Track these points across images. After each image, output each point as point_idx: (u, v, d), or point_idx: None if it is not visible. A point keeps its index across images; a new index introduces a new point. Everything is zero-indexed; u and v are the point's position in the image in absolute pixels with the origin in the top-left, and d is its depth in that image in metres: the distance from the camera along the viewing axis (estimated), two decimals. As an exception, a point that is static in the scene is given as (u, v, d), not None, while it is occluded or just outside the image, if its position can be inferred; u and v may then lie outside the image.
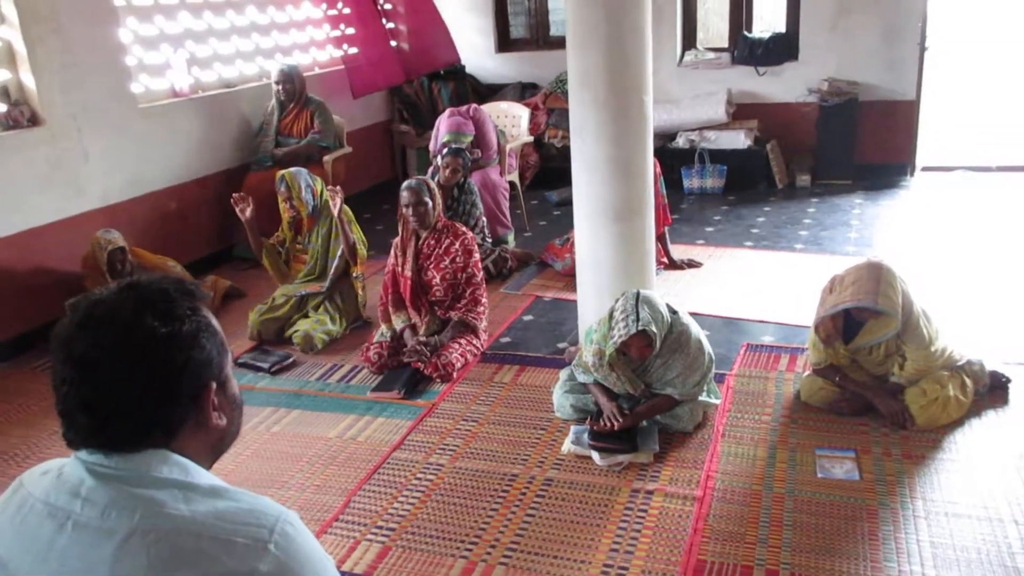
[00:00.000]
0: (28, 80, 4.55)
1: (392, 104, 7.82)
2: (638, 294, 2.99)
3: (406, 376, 3.78)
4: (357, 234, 4.54)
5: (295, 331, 4.31)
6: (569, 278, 5.08)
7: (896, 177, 6.87)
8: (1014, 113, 9.02)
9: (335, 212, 4.35)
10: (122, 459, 1.02)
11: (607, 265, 3.75)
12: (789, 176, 6.99)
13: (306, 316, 4.41)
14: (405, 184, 4.02)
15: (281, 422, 3.60)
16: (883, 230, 5.73)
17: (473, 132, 5.64)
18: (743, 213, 6.31)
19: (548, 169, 7.47)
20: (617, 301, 3.05)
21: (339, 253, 4.46)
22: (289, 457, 3.29)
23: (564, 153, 7.48)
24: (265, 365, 4.09)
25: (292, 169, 4.58)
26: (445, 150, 5.16)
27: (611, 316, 3.04)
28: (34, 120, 4.60)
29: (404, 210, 3.98)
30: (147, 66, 5.33)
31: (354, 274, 4.51)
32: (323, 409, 3.68)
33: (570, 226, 6.19)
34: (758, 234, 5.78)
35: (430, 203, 3.97)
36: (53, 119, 4.65)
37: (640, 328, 2.87)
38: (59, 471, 1.06)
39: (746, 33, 7.14)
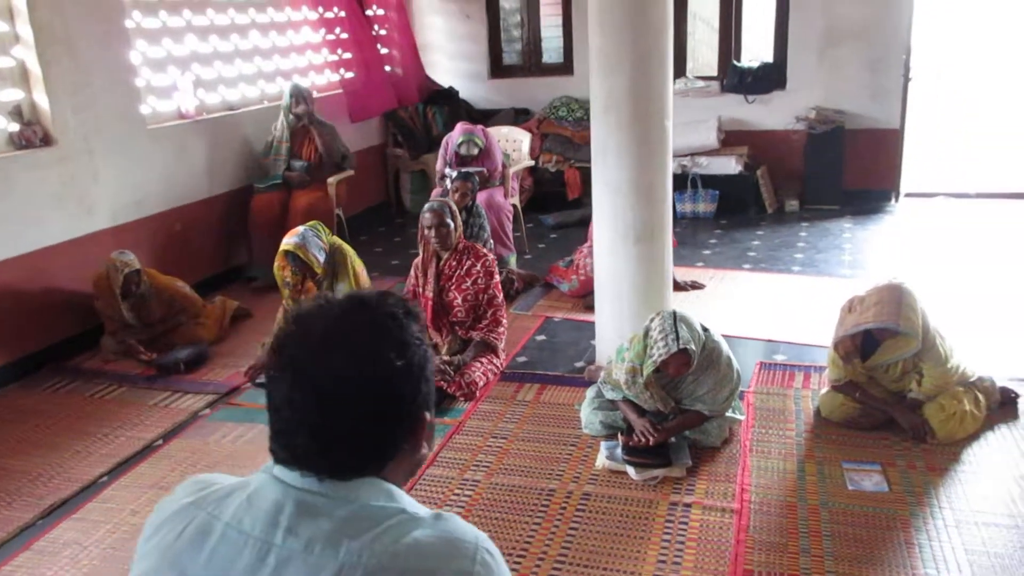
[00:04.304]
0: (42, 100, 4.55)
1: (387, 128, 7.89)
2: (675, 313, 3.08)
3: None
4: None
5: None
6: (577, 299, 5.18)
7: (881, 203, 7.09)
8: (992, 142, 9.36)
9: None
10: (334, 486, 0.99)
11: (627, 285, 3.84)
12: (778, 201, 7.18)
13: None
14: (427, 206, 4.09)
15: (309, 441, 3.61)
16: (875, 253, 5.92)
17: (484, 139, 5.75)
18: (737, 236, 6.47)
19: (542, 193, 7.60)
20: (653, 320, 3.13)
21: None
22: (323, 475, 3.30)
23: (558, 177, 7.64)
24: (285, 385, 4.09)
25: (292, 239, 4.13)
26: (455, 173, 5.23)
27: (647, 335, 3.12)
28: (46, 140, 4.59)
29: (426, 231, 4.04)
30: (155, 88, 5.34)
31: None
32: (349, 428, 3.70)
33: (568, 249, 6.37)
34: (755, 257, 5.93)
35: (452, 224, 4.04)
36: (65, 139, 4.64)
37: (681, 347, 2.96)
38: (247, 495, 1.02)
39: (735, 62, 7.36)
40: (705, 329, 3.19)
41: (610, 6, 3.46)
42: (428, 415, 1.08)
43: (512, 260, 5.84)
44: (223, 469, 3.44)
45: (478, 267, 4.07)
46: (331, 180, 5.92)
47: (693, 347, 2.99)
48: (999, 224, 6.38)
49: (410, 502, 1.04)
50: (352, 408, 0.99)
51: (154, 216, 5.29)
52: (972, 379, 3.40)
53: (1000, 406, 3.46)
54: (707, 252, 6.10)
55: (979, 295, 4.82)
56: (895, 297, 3.18)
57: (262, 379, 4.08)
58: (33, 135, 4.53)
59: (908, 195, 7.23)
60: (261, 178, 5.89)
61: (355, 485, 1.01)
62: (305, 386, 0.99)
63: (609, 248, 3.83)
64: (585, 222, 7.08)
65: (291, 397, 1.00)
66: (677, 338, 2.97)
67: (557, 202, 7.52)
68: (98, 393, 4.26)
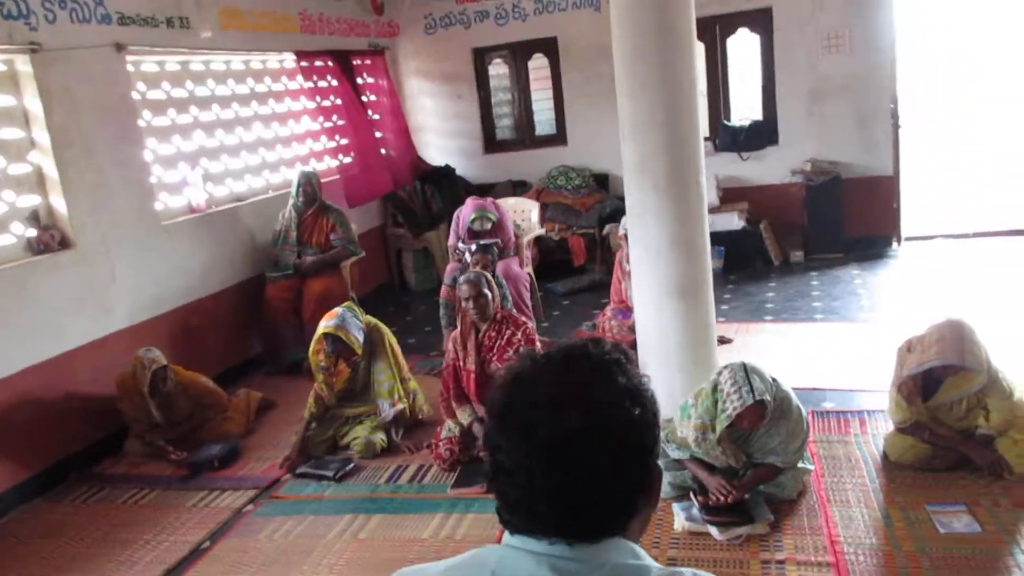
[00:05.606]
0: (59, 204, 4.49)
1: (386, 208, 7.91)
2: (744, 365, 3.04)
3: (486, 469, 3.70)
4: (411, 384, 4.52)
5: (354, 439, 4.20)
6: (607, 363, 5.12)
7: (883, 248, 7.18)
8: (984, 183, 9.56)
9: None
10: (584, 550, 0.94)
11: (674, 342, 3.81)
12: (783, 253, 7.25)
13: (359, 423, 4.31)
14: (463, 278, 4.05)
15: (366, 528, 3.48)
16: (889, 296, 5.96)
17: (497, 214, 5.75)
18: (750, 290, 6.50)
19: (547, 262, 7.60)
20: (721, 374, 3.08)
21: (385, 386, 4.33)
22: (390, 563, 3.16)
23: (562, 245, 7.68)
24: (329, 473, 3.97)
25: (331, 322, 4.16)
26: (474, 246, 5.22)
27: (715, 389, 3.07)
28: (64, 243, 4.52)
29: (463, 303, 3.99)
30: (166, 184, 5.32)
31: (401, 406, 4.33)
32: (404, 511, 3.58)
33: (581, 315, 6.35)
34: (773, 308, 5.94)
35: (489, 295, 4.00)
36: (83, 241, 4.58)
37: (757, 399, 2.90)
38: (490, 572, 0.97)
39: (725, 122, 7.52)
40: (773, 379, 3.15)
41: (639, 71, 3.53)
42: (659, 464, 1.03)
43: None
44: (278, 566, 3.30)
45: (519, 335, 4.01)
46: (344, 263, 5.88)
47: (768, 398, 2.94)
48: (1001, 261, 6.46)
49: (654, 563, 0.99)
50: (596, 466, 0.94)
51: (170, 312, 5.19)
52: (1036, 411, 3.37)
53: (1066, 436, 3.42)
54: (724, 307, 6.09)
55: (1000, 328, 4.81)
56: (957, 333, 3.17)
57: (303, 470, 4.02)
58: (51, 239, 4.46)
59: (908, 239, 7.33)
60: (272, 267, 5.83)
61: (603, 546, 0.96)
62: (543, 449, 0.94)
63: (654, 306, 3.81)
64: (595, 287, 7.12)
65: (528, 462, 0.94)
66: (752, 390, 2.92)
67: (563, 270, 7.53)
68: (131, 499, 4.08)
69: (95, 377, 4.57)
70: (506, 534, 1.00)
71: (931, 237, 7.39)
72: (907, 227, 7.36)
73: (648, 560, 0.97)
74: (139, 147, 5.00)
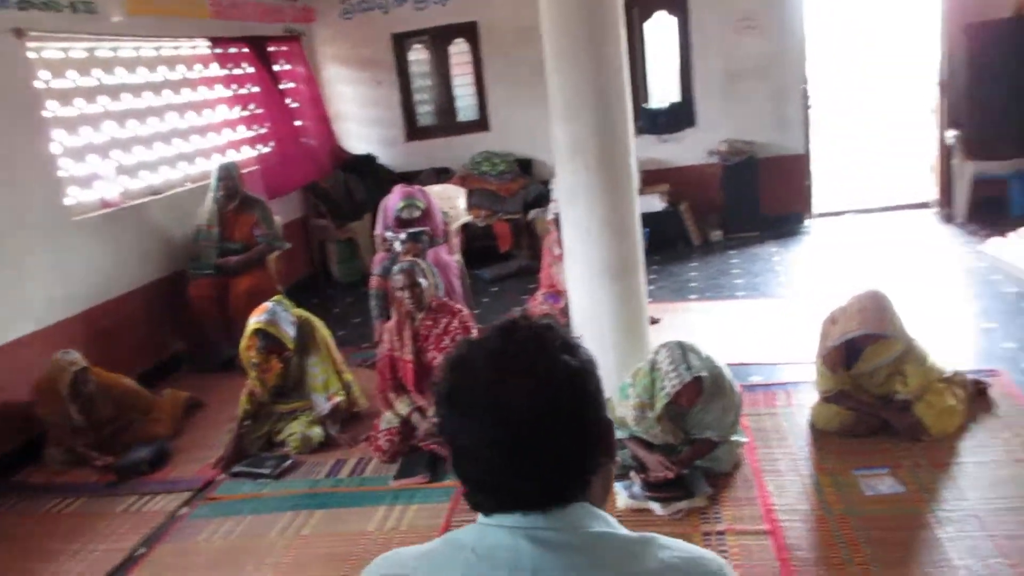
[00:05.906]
0: (-40, 200, 4.25)
1: (308, 199, 7.76)
2: (682, 343, 3.12)
3: (427, 459, 3.71)
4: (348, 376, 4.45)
5: (290, 434, 4.13)
6: (540, 347, 5.16)
7: (796, 225, 7.45)
8: (880, 151, 10.00)
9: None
10: (556, 518, 0.96)
11: (608, 323, 3.87)
12: (703, 233, 7.43)
13: (295, 418, 4.24)
14: (397, 268, 4.02)
15: (308, 524, 3.43)
16: (805, 271, 6.20)
17: (425, 201, 5.69)
18: (673, 270, 6.65)
19: (473, 248, 7.57)
20: (658, 353, 3.16)
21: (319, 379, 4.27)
22: (337, 557, 3.13)
23: (487, 231, 7.68)
24: (266, 471, 3.90)
25: (261, 317, 4.09)
26: (403, 236, 5.18)
27: (653, 368, 3.14)
28: (-32, 242, 4.28)
29: (399, 293, 3.96)
30: (77, 178, 5.08)
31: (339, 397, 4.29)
32: (347, 505, 3.54)
33: (511, 301, 6.39)
34: (697, 287, 6.10)
35: (424, 283, 3.98)
36: (-12, 240, 4.34)
37: (695, 376, 2.98)
38: (471, 550, 0.97)
39: (644, 105, 7.63)
40: (707, 355, 3.23)
41: (566, 49, 3.55)
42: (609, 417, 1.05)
43: (464, 317, 5.79)
44: (223, 567, 3.23)
45: (455, 323, 4.00)
46: (271, 257, 5.74)
47: (705, 375, 3.03)
48: (905, 233, 6.81)
49: (624, 528, 1.02)
50: (554, 425, 0.96)
51: (85, 312, 4.97)
52: (947, 374, 3.57)
53: (975, 397, 3.63)
54: (650, 287, 6.17)
55: (905, 298, 5.05)
56: (877, 304, 3.33)
57: (238, 468, 3.93)
58: (-47, 239, 4.22)
59: (820, 215, 7.63)
60: (193, 263, 5.63)
61: (572, 512, 0.98)
62: (500, 422, 0.95)
63: (587, 288, 3.85)
64: (522, 273, 7.16)
65: (491, 440, 0.96)
66: (689, 368, 3.00)
67: (489, 256, 7.54)
68: (54, 508, 3.91)
69: (7, 383, 4.35)
70: (480, 516, 1.01)
71: (841, 213, 7.70)
72: (818, 204, 7.65)
73: (621, 529, 1.00)
74: (45, 139, 4.75)
